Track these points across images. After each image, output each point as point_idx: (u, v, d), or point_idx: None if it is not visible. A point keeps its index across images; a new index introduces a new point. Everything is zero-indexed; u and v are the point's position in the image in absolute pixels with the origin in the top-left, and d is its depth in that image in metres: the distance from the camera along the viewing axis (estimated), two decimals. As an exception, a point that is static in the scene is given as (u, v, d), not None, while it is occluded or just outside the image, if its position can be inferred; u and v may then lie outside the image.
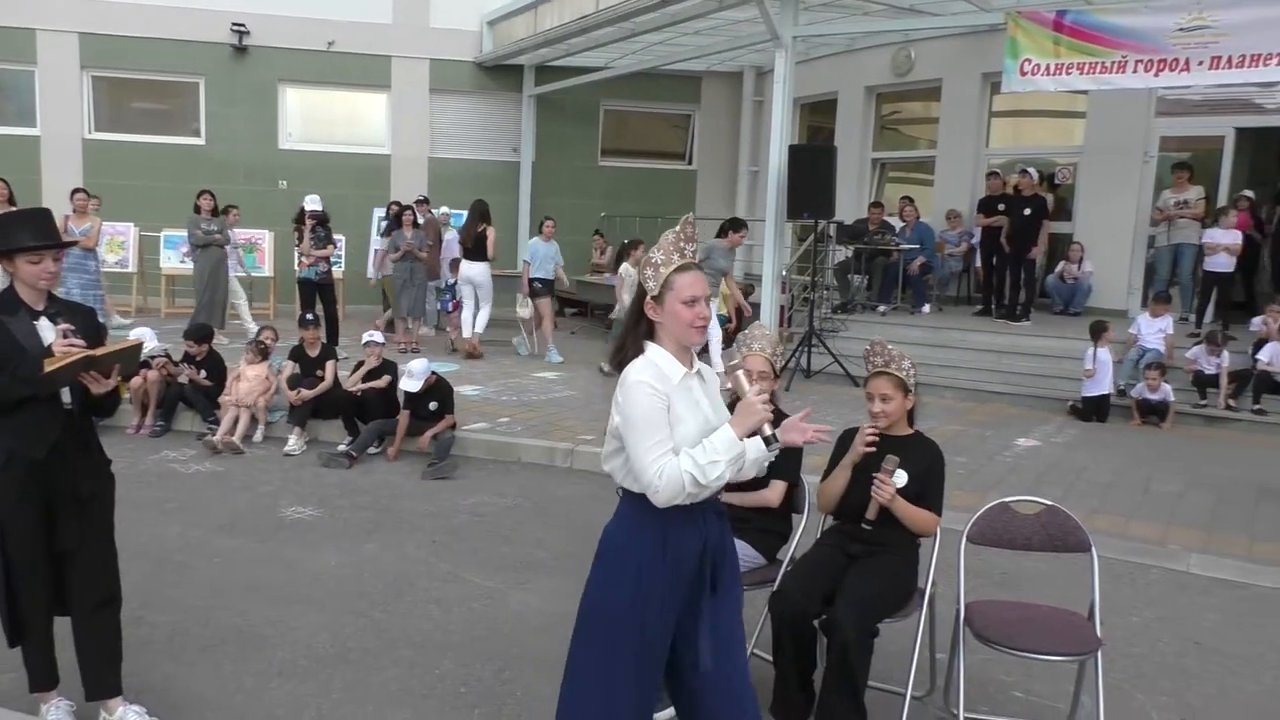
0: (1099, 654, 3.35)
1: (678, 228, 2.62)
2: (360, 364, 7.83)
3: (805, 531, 3.92)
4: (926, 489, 3.53)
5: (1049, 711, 3.78)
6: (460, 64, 16.03)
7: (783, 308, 11.69)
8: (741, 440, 2.53)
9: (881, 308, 12.24)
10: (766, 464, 2.78)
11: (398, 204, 12.45)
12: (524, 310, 11.41)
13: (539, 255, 11.21)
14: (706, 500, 2.58)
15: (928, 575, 3.61)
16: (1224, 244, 10.05)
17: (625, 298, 10.16)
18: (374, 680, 3.88)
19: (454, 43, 15.88)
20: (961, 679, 3.44)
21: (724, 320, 11.16)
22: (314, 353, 8.05)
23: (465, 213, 14.20)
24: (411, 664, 4.02)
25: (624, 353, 2.63)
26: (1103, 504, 6.41)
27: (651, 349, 2.60)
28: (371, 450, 7.37)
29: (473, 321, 11.31)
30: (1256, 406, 8.84)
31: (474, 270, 11.14)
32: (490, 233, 11.11)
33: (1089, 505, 6.29)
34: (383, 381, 7.62)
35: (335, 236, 11.78)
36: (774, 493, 3.91)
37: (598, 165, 17.03)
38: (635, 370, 2.54)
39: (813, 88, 14.69)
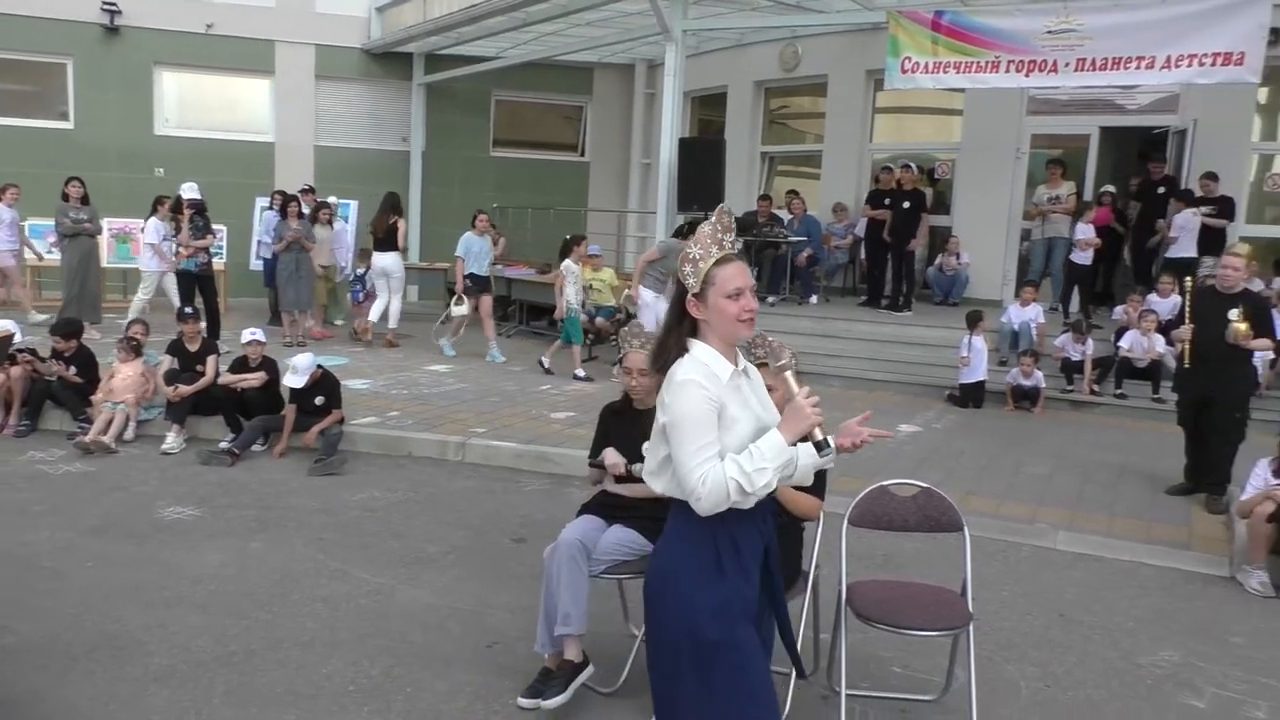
0: (970, 628, 3.51)
1: (714, 219, 2.50)
2: (242, 359, 7.59)
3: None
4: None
5: (926, 684, 3.93)
6: (347, 50, 15.66)
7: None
8: (792, 446, 2.40)
9: (770, 299, 12.45)
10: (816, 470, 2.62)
11: (281, 193, 12.10)
12: (460, 308, 10.91)
13: (473, 250, 10.85)
14: (764, 500, 2.46)
15: (811, 558, 3.72)
16: (1088, 240, 10.59)
17: (569, 292, 10.04)
18: (258, 682, 3.79)
19: (341, 28, 15.50)
20: (843, 657, 3.56)
21: (611, 311, 11.22)
22: (194, 347, 7.77)
23: (352, 203, 13.98)
24: (298, 664, 3.95)
25: (666, 354, 2.49)
26: (978, 486, 6.69)
27: (697, 346, 2.47)
28: (256, 447, 7.17)
29: (384, 311, 11.36)
30: (1118, 391, 9.35)
31: (386, 260, 11.29)
32: (401, 224, 11.33)
33: (966, 487, 6.56)
34: (256, 378, 7.39)
35: (215, 226, 11.38)
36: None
37: (490, 155, 16.87)
38: (684, 368, 2.41)
39: (703, 81, 14.85)
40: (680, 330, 2.50)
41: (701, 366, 2.42)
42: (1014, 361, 9.60)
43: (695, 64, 13.95)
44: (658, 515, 3.91)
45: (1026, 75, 9.07)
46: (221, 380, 7.48)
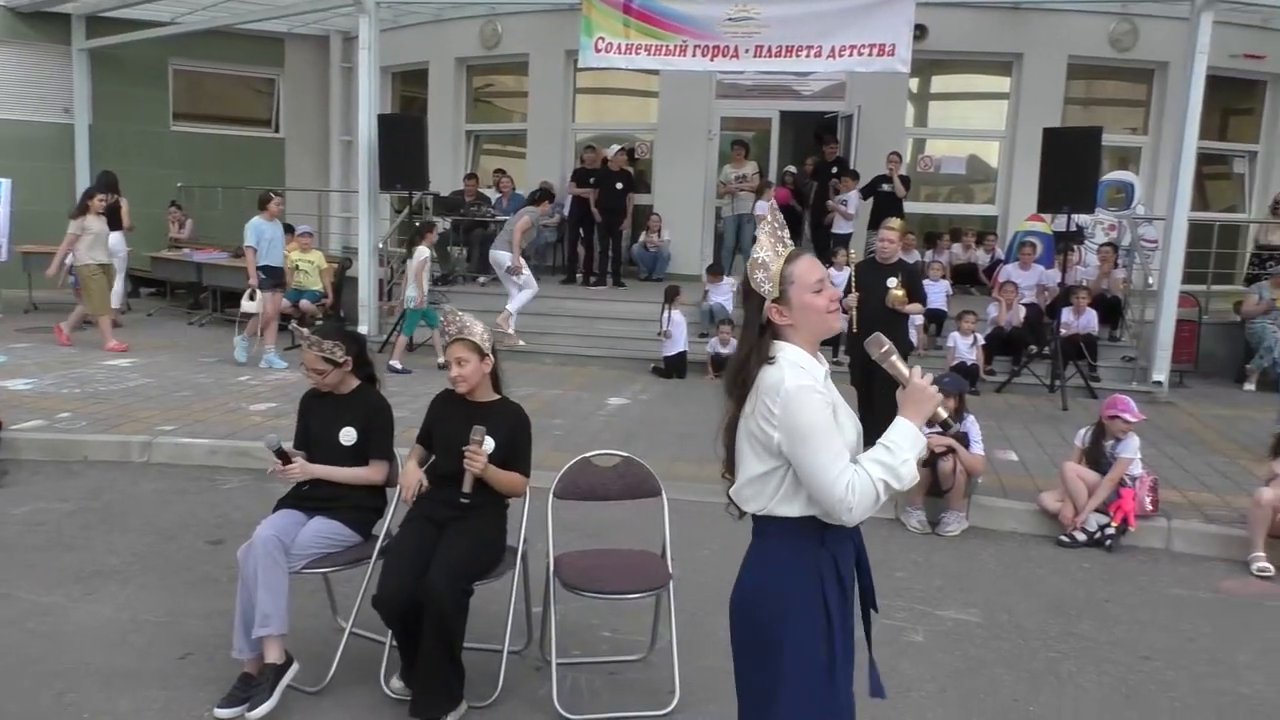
0: (671, 587, 3.70)
1: (769, 217, 2.40)
2: None
3: (401, 503, 3.91)
4: (514, 452, 3.67)
5: (634, 645, 4.10)
6: (-13, 8, 13.82)
7: (381, 281, 11.49)
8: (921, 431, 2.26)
9: (481, 279, 12.41)
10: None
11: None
12: (253, 305, 9.58)
13: (265, 238, 9.56)
14: None
15: (520, 534, 3.77)
16: (762, 216, 11.42)
17: (424, 281, 9.71)
18: (-104, 730, 3.32)
19: (-22, -18, 13.65)
20: (553, 628, 3.65)
21: (318, 296, 10.74)
22: None
23: (4, 181, 12.46)
24: (-53, 703, 3.49)
25: (749, 369, 2.29)
26: (682, 452, 7.03)
27: (788, 349, 2.29)
28: (-112, 463, 6.24)
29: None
30: (804, 356, 10.16)
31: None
32: (123, 203, 11.06)
33: (671, 454, 6.88)
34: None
35: None
36: (378, 473, 3.88)
37: (170, 130, 15.52)
38: (790, 375, 2.22)
39: (403, 56, 14.46)
40: (763, 342, 2.31)
41: (802, 371, 2.26)
42: (713, 332, 10.16)
43: (393, 38, 13.57)
44: (362, 504, 3.85)
45: (711, 60, 9.60)
46: None
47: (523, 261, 10.34)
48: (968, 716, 3.66)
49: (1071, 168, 8.87)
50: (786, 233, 2.39)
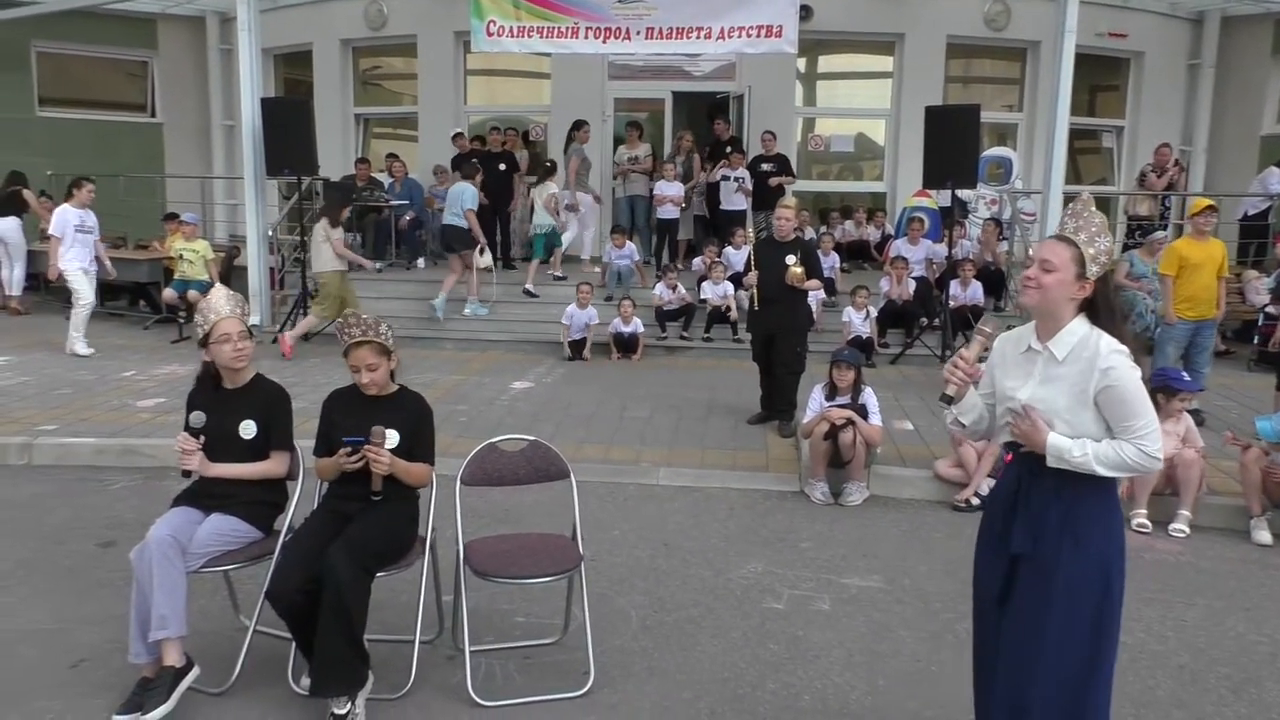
0: (582, 569, 3.72)
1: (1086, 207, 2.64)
2: None
3: (303, 497, 3.84)
4: (417, 442, 3.63)
5: (547, 628, 4.11)
6: None
7: (273, 269, 11.16)
8: None
9: (377, 265, 12.16)
10: None
11: None
12: (485, 259, 10.76)
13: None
14: None
15: (428, 523, 3.73)
16: (669, 196, 11.49)
17: (553, 210, 10.96)
18: None
19: None
20: (465, 615, 3.63)
21: (205, 286, 10.36)
22: None
23: None
24: None
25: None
26: (588, 434, 7.05)
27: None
28: None
29: (11, 281, 11.53)
30: (706, 335, 10.27)
31: (3, 226, 11.45)
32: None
33: (577, 436, 6.89)
34: None
35: None
36: (280, 465, 3.78)
37: (36, 116, 14.73)
38: (1117, 345, 2.55)
39: (285, 38, 14.02)
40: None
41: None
42: (617, 291, 10.19)
43: (274, 19, 13.15)
44: (260, 498, 3.75)
45: (604, 42, 9.60)
46: None
47: (577, 197, 11.59)
48: (873, 679, 3.78)
49: (953, 144, 9.15)
50: (1074, 223, 2.60)
